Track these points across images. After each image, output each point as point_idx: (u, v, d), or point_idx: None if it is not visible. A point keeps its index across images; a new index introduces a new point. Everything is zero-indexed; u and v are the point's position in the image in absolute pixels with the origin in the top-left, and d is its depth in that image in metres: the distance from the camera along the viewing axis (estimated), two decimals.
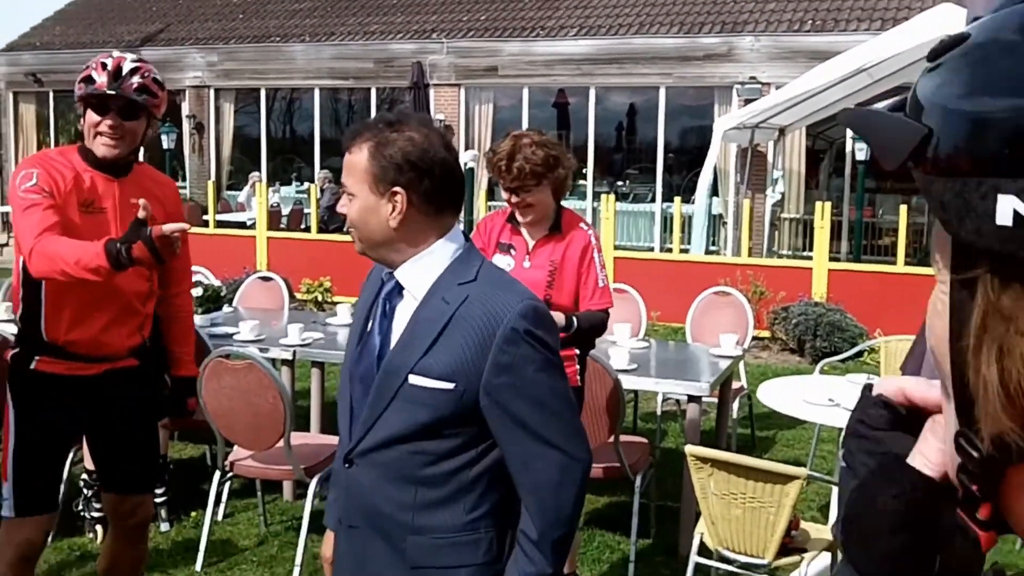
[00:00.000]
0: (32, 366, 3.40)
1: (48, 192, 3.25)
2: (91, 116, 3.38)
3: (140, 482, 3.67)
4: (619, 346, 5.43)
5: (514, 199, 3.91)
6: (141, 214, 3.03)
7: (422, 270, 2.18)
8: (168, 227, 2.98)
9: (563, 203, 4.10)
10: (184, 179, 20.40)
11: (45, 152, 3.55)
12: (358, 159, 2.15)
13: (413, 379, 2.10)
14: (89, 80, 3.38)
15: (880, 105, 0.75)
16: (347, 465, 2.22)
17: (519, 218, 4.01)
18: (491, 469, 2.17)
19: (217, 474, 4.79)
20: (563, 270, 3.97)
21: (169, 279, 3.67)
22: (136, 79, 3.38)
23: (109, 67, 3.36)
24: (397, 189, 2.14)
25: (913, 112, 0.69)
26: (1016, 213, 0.61)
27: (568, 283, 3.98)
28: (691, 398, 4.94)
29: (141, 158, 3.76)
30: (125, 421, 3.58)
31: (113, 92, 3.34)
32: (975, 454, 0.67)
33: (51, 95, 21.35)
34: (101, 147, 3.37)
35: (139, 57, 3.48)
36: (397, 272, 2.19)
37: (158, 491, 5.16)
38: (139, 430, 3.64)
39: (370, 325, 2.24)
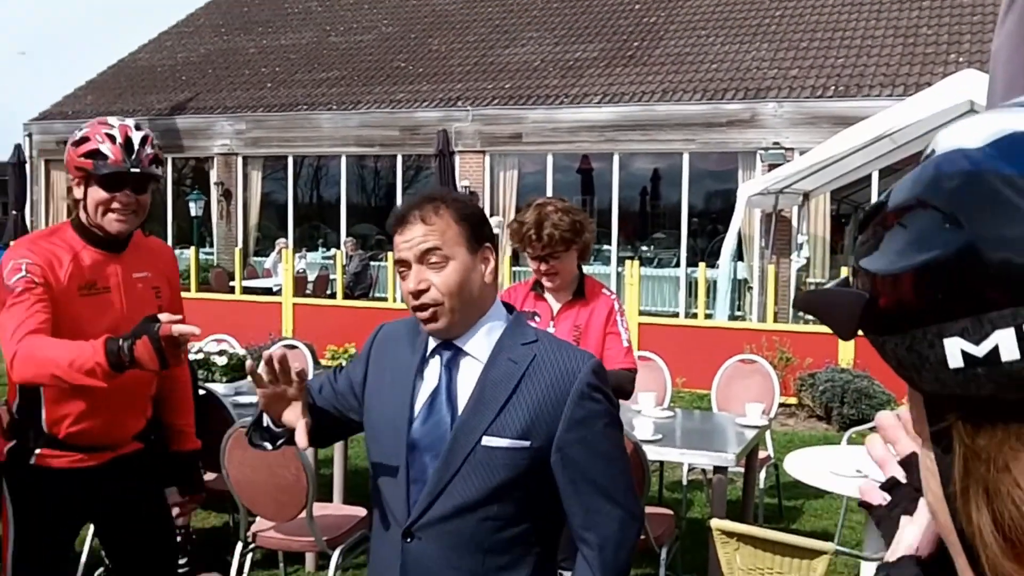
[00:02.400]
0: (32, 461, 3.14)
1: (39, 283, 2.96)
2: (99, 192, 3.09)
3: (159, 570, 3.44)
4: (644, 416, 5.39)
5: (543, 267, 3.97)
6: (176, 329, 2.60)
7: (483, 334, 2.19)
8: (178, 328, 2.61)
9: (587, 268, 4.16)
10: (212, 245, 20.59)
11: (36, 234, 3.25)
12: (444, 223, 2.14)
13: (487, 440, 2.10)
14: (98, 155, 3.09)
15: (832, 283, 0.79)
16: (407, 539, 2.15)
17: (546, 283, 4.06)
18: (552, 531, 2.22)
19: (239, 545, 4.77)
20: (588, 335, 4.01)
21: None
22: (149, 150, 3.16)
23: (118, 139, 3.11)
24: (488, 245, 2.21)
25: (855, 282, 0.73)
26: (964, 353, 0.63)
27: (593, 347, 4.00)
28: (717, 469, 4.89)
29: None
30: (136, 509, 3.34)
31: (136, 169, 3.10)
32: None
33: None
34: (115, 224, 3.11)
35: (137, 122, 3.24)
36: (459, 340, 2.19)
37: (181, 562, 5.14)
38: (152, 516, 3.40)
39: (430, 395, 2.19)
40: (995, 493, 0.64)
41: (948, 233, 0.64)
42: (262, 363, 2.13)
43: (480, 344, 2.19)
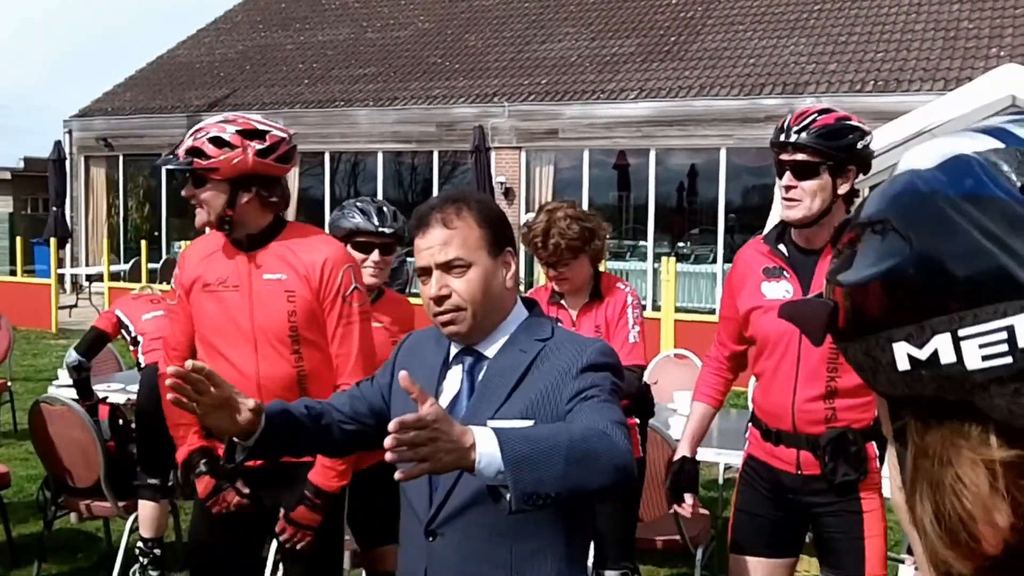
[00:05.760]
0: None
1: (178, 293, 3.25)
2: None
3: None
4: (680, 415, 5.36)
5: (552, 272, 3.94)
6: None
7: (500, 335, 2.18)
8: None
9: (624, 264, 4.12)
10: None
11: (208, 235, 3.33)
12: (466, 226, 2.11)
13: (492, 424, 2.03)
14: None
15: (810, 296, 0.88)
16: (429, 539, 2.12)
17: (556, 288, 4.02)
18: (579, 513, 2.15)
19: (274, 544, 4.77)
20: (609, 333, 3.96)
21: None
22: (189, 142, 3.07)
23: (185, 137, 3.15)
24: (509, 249, 2.18)
25: (827, 294, 0.82)
26: (909, 356, 0.72)
27: (617, 344, 3.96)
28: None
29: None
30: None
31: (169, 166, 3.11)
32: None
33: (121, 159, 21.86)
34: (197, 219, 3.15)
35: (227, 117, 3.16)
36: (479, 345, 2.17)
37: None
38: (321, 537, 3.20)
39: (451, 401, 2.18)
40: (938, 485, 0.72)
41: (900, 249, 0.72)
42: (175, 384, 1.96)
43: (496, 343, 2.18)
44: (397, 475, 1.76)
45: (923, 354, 0.70)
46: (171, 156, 3.09)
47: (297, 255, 3.15)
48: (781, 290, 3.10)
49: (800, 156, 3.00)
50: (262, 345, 3.10)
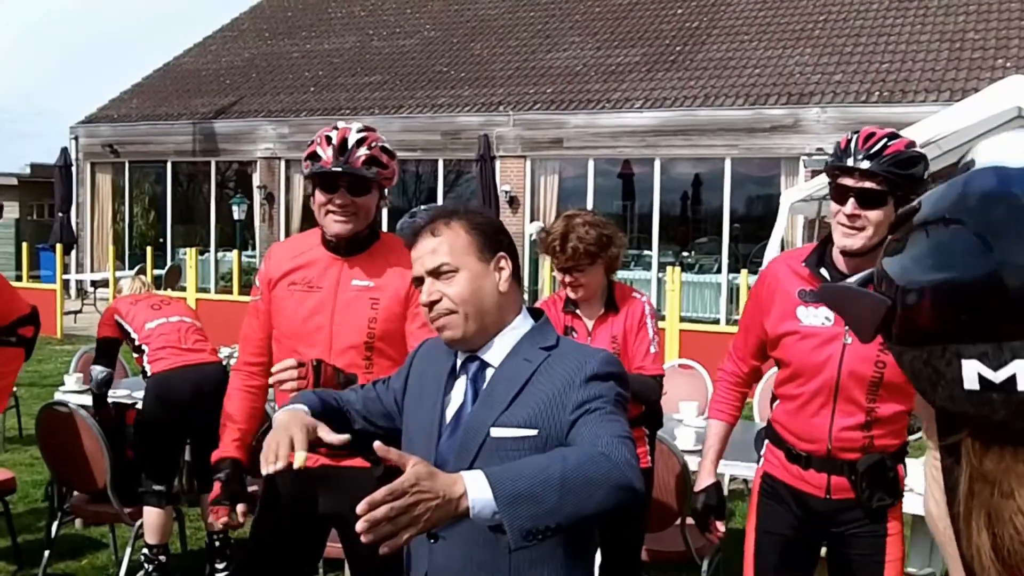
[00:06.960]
0: None
1: (260, 290, 3.30)
2: (318, 195, 3.16)
3: None
4: (686, 425, 5.36)
5: (567, 278, 3.95)
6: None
7: (506, 344, 2.20)
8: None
9: (628, 273, 4.12)
10: (254, 248, 20.72)
11: (309, 231, 3.44)
12: (454, 235, 2.18)
13: (495, 432, 2.09)
14: (315, 157, 3.16)
15: (852, 280, 0.77)
16: (432, 540, 2.13)
17: (570, 295, 4.02)
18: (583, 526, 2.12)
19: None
20: (626, 344, 3.97)
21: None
22: (363, 151, 3.14)
23: (334, 141, 3.14)
24: (502, 254, 2.21)
25: (879, 284, 0.72)
26: (981, 377, 0.63)
27: (635, 355, 3.97)
28: None
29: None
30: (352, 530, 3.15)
31: (340, 169, 3.10)
32: None
33: (127, 165, 21.90)
34: (333, 225, 3.14)
35: (365, 126, 3.26)
36: (481, 351, 2.20)
37: (219, 566, 5.16)
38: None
39: (456, 411, 2.20)
40: (997, 518, 0.65)
41: (974, 255, 0.64)
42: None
43: (501, 352, 2.20)
44: (382, 549, 1.72)
45: (998, 377, 0.63)
46: (343, 163, 3.10)
47: (390, 264, 3.23)
48: (821, 317, 2.95)
49: (869, 184, 2.80)
50: (337, 349, 3.14)
